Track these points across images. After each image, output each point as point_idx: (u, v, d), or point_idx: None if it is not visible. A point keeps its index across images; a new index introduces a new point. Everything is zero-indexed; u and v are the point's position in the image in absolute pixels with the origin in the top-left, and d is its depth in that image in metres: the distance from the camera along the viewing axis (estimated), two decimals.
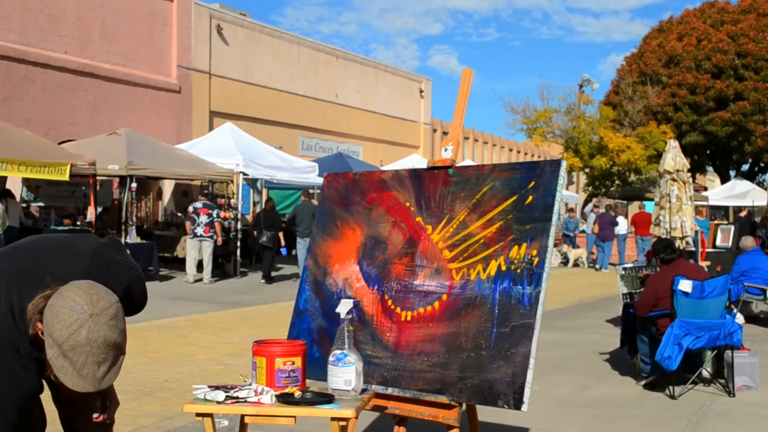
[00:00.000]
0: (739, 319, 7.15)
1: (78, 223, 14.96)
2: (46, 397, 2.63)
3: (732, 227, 13.50)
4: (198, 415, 2.67)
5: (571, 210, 25.03)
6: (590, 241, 21.61)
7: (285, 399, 2.64)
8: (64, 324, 1.99)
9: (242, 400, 2.65)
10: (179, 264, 16.52)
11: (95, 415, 2.42)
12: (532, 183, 3.09)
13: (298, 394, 2.65)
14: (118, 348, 2.15)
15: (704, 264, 10.61)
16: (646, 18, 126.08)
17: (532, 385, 2.81)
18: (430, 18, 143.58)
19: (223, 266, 15.69)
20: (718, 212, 31.48)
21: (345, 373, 2.75)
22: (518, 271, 2.99)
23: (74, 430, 2.73)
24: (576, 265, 20.76)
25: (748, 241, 9.82)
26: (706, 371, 6.36)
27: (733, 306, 7.07)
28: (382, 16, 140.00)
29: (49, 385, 2.56)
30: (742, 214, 20.79)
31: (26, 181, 15.04)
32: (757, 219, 18.11)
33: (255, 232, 15.15)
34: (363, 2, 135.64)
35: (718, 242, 13.29)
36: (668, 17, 37.20)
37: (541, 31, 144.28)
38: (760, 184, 35.43)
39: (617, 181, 29.02)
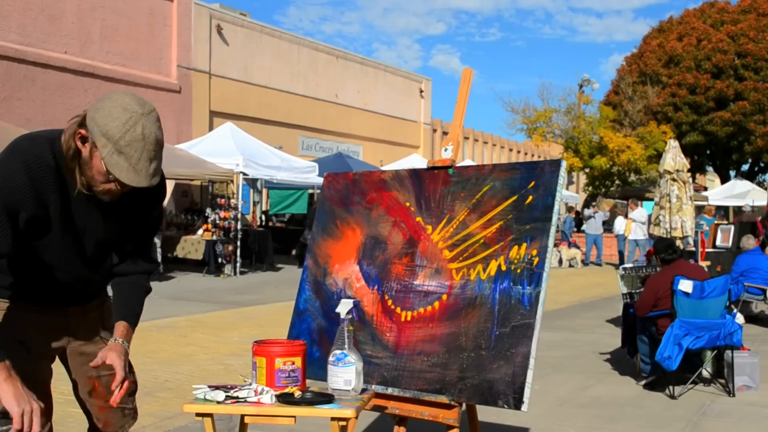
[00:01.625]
0: (739, 319, 7.15)
1: None
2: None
3: (732, 227, 13.49)
4: (198, 415, 2.67)
5: (570, 209, 25.03)
6: (590, 241, 21.62)
7: (285, 399, 2.64)
8: (119, 122, 2.15)
9: (242, 400, 2.65)
10: (179, 264, 16.53)
11: (124, 383, 2.47)
12: (532, 183, 3.09)
13: (298, 394, 2.65)
14: (162, 148, 2.36)
15: (704, 264, 10.62)
16: (649, 18, 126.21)
17: (532, 385, 2.81)
18: (433, 18, 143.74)
19: (223, 266, 15.70)
20: (718, 212, 31.49)
21: (345, 373, 2.75)
22: (518, 271, 2.99)
23: (96, 426, 2.82)
24: (570, 266, 20.77)
25: (748, 241, 9.82)
26: (706, 371, 6.36)
27: (733, 306, 7.07)
28: (384, 16, 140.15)
29: (73, 379, 2.88)
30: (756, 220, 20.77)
31: None
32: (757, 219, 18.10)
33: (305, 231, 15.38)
34: (366, 2, 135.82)
35: (718, 242, 13.29)
36: (668, 17, 37.23)
37: (543, 31, 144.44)
38: (760, 184, 35.46)
39: (617, 181, 29.04)
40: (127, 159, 2.18)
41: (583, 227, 22.25)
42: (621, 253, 20.09)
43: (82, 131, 2.20)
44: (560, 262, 21.06)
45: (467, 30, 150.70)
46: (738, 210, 25.32)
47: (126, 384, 2.45)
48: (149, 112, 2.29)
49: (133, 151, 2.18)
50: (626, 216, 22.56)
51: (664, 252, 6.61)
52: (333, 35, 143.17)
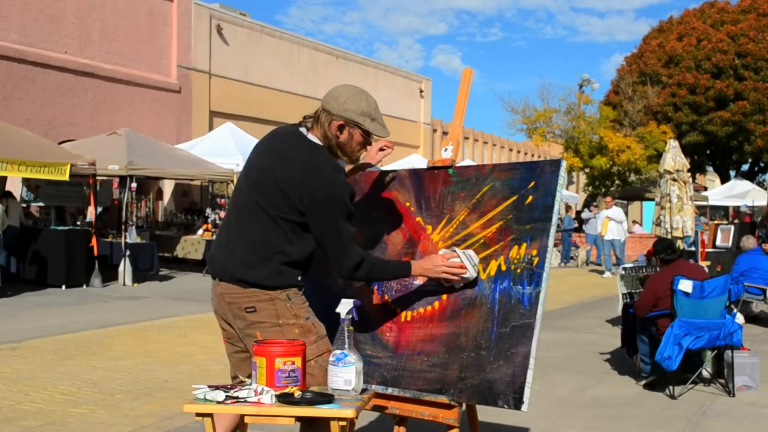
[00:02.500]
0: (739, 319, 7.16)
1: (78, 223, 14.95)
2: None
3: (732, 227, 13.50)
4: (198, 415, 2.67)
5: (569, 208, 24.97)
6: (590, 241, 21.63)
7: (285, 399, 2.63)
8: (361, 100, 2.92)
9: (242, 400, 2.65)
10: (179, 264, 16.54)
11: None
12: (532, 183, 3.09)
13: (298, 394, 2.65)
14: None
15: (704, 264, 10.61)
16: (651, 18, 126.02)
17: (532, 385, 2.81)
18: (434, 18, 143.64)
19: None
20: (718, 212, 31.50)
21: (345, 373, 2.74)
22: (518, 271, 2.98)
23: None
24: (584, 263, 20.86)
25: (748, 241, 9.82)
26: (706, 371, 6.36)
27: (733, 306, 7.07)
28: (386, 16, 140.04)
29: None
30: (746, 220, 20.74)
31: (26, 181, 15.04)
32: (757, 219, 18.11)
33: None
34: (367, 2, 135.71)
35: (718, 242, 13.29)
36: (668, 17, 37.23)
37: (545, 31, 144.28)
38: (760, 184, 35.46)
39: (617, 181, 29.02)
40: (378, 122, 2.95)
41: (583, 227, 22.24)
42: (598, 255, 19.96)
43: (338, 122, 2.90)
44: (568, 259, 21.10)
45: (469, 30, 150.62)
46: (738, 211, 25.36)
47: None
48: (359, 87, 3.03)
49: (378, 115, 2.96)
50: (626, 215, 22.57)
51: (663, 252, 6.61)
52: (334, 35, 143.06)
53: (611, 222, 17.67)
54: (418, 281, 3.24)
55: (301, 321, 2.89)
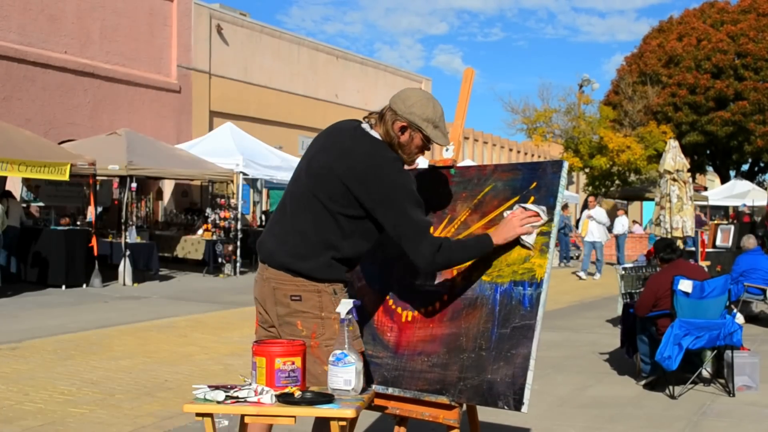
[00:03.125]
0: (739, 319, 7.16)
1: (78, 223, 14.96)
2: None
3: (732, 227, 13.50)
4: (198, 415, 2.67)
5: (564, 207, 24.83)
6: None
7: (285, 399, 2.63)
8: (428, 107, 2.96)
9: (242, 400, 2.64)
10: (179, 264, 16.54)
11: None
12: (534, 183, 3.09)
13: (298, 394, 2.64)
14: None
15: (704, 264, 10.61)
16: (652, 18, 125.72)
17: (532, 385, 2.81)
18: (435, 18, 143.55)
19: (223, 266, 15.70)
20: (718, 212, 31.50)
21: (345, 373, 2.74)
22: (519, 271, 2.98)
23: None
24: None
25: (749, 241, 9.82)
26: (706, 371, 6.36)
27: (733, 306, 7.07)
28: (387, 16, 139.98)
29: None
30: (745, 220, 20.71)
31: (26, 181, 15.04)
32: (757, 219, 18.10)
33: None
34: (368, 2, 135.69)
35: (718, 242, 13.29)
36: (668, 17, 37.23)
37: (546, 30, 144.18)
38: (760, 184, 35.46)
39: (617, 181, 29.02)
40: (441, 130, 2.99)
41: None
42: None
43: (401, 123, 2.95)
44: (568, 259, 21.05)
45: (470, 30, 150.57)
46: (738, 211, 25.34)
47: None
48: (429, 93, 3.07)
49: (442, 123, 3.00)
50: (626, 214, 22.52)
51: (663, 251, 6.61)
52: (335, 35, 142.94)
53: (592, 222, 16.99)
54: (419, 280, 3.24)
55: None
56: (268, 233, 3.05)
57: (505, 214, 3.04)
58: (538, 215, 2.95)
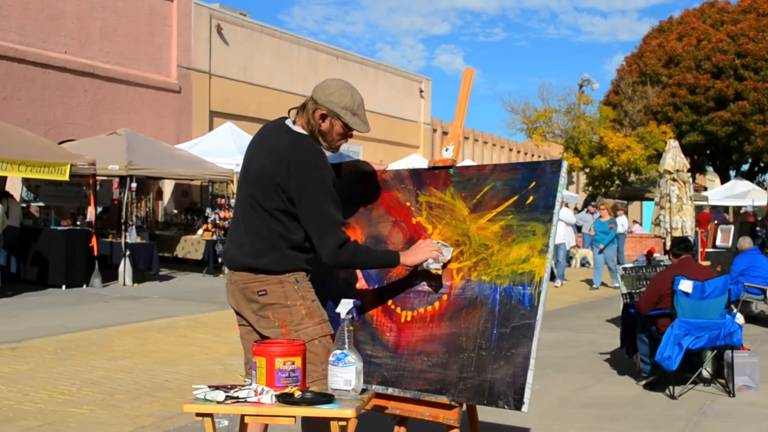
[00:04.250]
0: (739, 319, 7.15)
1: (78, 223, 14.96)
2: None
3: (732, 227, 13.50)
4: (198, 415, 2.67)
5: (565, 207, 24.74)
6: (586, 242, 21.60)
7: (285, 399, 2.63)
8: (346, 95, 3.10)
9: (242, 400, 2.64)
10: (179, 264, 16.53)
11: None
12: (533, 183, 3.09)
13: (298, 394, 2.64)
14: None
15: (703, 264, 10.61)
16: (654, 18, 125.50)
17: (532, 385, 2.81)
18: (437, 18, 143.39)
19: (223, 266, 15.70)
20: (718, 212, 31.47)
21: (345, 373, 2.74)
22: (519, 271, 2.98)
23: None
24: (582, 265, 20.74)
25: (744, 242, 9.83)
26: (706, 371, 6.36)
27: (733, 306, 7.07)
28: (389, 16, 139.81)
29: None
30: (750, 220, 20.68)
31: (26, 181, 15.04)
32: (758, 218, 18.09)
33: None
34: (370, 2, 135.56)
35: (718, 242, 13.29)
36: (668, 17, 37.23)
37: (548, 30, 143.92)
38: (760, 184, 35.44)
39: (617, 181, 29.01)
40: (360, 117, 3.12)
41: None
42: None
43: (321, 111, 3.08)
44: (568, 259, 20.92)
45: (471, 30, 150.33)
46: (738, 211, 25.32)
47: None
48: (348, 83, 3.21)
49: (361, 111, 3.13)
50: (626, 214, 22.48)
51: (676, 246, 6.63)
52: (337, 35, 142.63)
53: (560, 223, 15.95)
54: (418, 280, 3.24)
55: (307, 302, 3.05)
56: (228, 242, 3.24)
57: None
58: (442, 252, 3.11)
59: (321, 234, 2.99)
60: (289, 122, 3.17)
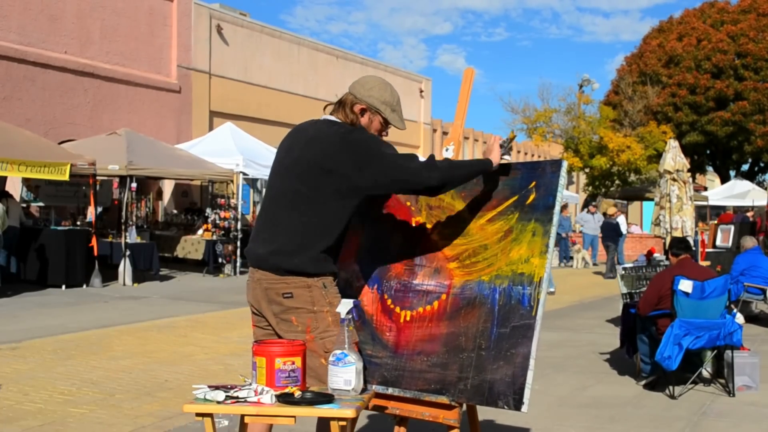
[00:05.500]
0: (739, 319, 7.15)
1: (78, 223, 14.96)
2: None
3: (732, 227, 13.49)
4: (198, 415, 2.67)
5: (564, 207, 24.82)
6: (587, 241, 21.62)
7: (285, 399, 2.63)
8: (386, 91, 3.12)
9: (242, 400, 2.65)
10: (179, 264, 16.53)
11: None
12: (533, 183, 3.09)
13: (298, 394, 2.65)
14: None
15: (704, 264, 10.61)
16: (656, 18, 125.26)
17: (532, 385, 2.80)
18: (439, 18, 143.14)
19: (223, 266, 15.70)
20: (718, 212, 31.47)
21: (345, 373, 2.74)
22: (518, 271, 2.98)
23: None
24: (585, 265, 20.76)
25: (747, 241, 9.82)
26: (706, 371, 6.36)
27: (733, 306, 7.07)
28: (391, 16, 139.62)
29: None
30: (749, 214, 20.67)
31: (26, 181, 15.04)
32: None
33: None
34: (373, 2, 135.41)
35: (718, 242, 13.28)
36: (668, 17, 37.23)
37: (550, 30, 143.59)
38: (760, 184, 35.44)
39: (617, 181, 29.01)
40: (398, 113, 3.14)
41: (581, 228, 22.22)
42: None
43: (361, 106, 3.07)
44: (568, 259, 20.94)
45: (474, 30, 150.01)
46: (738, 210, 25.29)
47: None
48: (386, 80, 3.21)
49: (399, 107, 3.16)
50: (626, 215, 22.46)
51: (675, 246, 6.63)
52: (339, 35, 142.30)
53: None
54: (417, 280, 3.24)
55: (334, 309, 2.95)
56: (254, 240, 3.14)
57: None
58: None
59: (414, 174, 2.95)
60: (326, 117, 3.15)
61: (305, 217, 2.96)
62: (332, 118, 3.10)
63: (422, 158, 3.02)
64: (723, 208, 28.85)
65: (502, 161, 3.17)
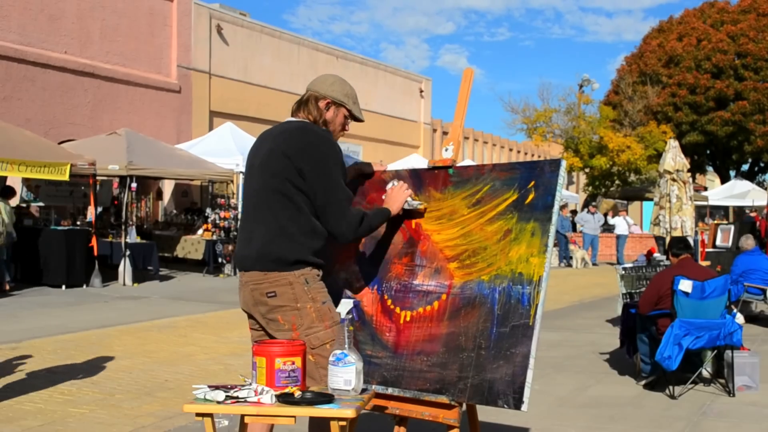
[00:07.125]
0: (739, 319, 7.15)
1: (78, 223, 14.95)
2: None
3: (732, 227, 13.48)
4: (198, 415, 2.67)
5: (563, 207, 24.82)
6: (587, 241, 21.62)
7: (285, 399, 2.64)
8: (345, 85, 3.25)
9: (242, 400, 2.65)
10: (179, 264, 16.53)
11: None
12: (532, 182, 3.09)
13: (298, 394, 2.65)
14: None
15: (704, 264, 10.61)
16: (660, 17, 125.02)
17: (532, 384, 2.81)
18: (442, 17, 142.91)
19: (223, 266, 15.70)
20: (718, 212, 31.49)
21: (345, 373, 2.74)
22: (518, 270, 2.98)
23: None
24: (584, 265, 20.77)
25: (748, 241, 9.81)
26: (706, 371, 6.36)
27: (733, 306, 7.07)
28: (394, 16, 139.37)
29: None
30: (752, 214, 20.66)
31: (26, 181, 15.03)
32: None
33: None
34: (375, 2, 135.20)
35: (718, 242, 13.28)
36: (668, 17, 37.22)
37: (552, 30, 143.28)
38: (760, 184, 35.44)
39: (617, 181, 29.02)
40: (357, 104, 3.28)
41: (581, 228, 22.23)
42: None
43: (326, 101, 3.20)
44: (568, 259, 20.94)
45: (476, 30, 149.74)
46: (739, 210, 25.28)
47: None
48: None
49: (357, 101, 3.28)
50: (627, 214, 22.45)
51: (675, 246, 6.63)
52: (341, 35, 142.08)
53: None
54: (417, 280, 3.24)
55: (317, 305, 2.99)
56: (239, 244, 3.20)
57: (388, 186, 3.36)
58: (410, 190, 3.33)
59: (338, 214, 3.01)
60: (289, 119, 3.23)
61: (276, 207, 3.02)
62: (294, 119, 3.20)
63: (354, 209, 3.09)
64: (723, 208, 28.85)
65: (406, 206, 3.28)
